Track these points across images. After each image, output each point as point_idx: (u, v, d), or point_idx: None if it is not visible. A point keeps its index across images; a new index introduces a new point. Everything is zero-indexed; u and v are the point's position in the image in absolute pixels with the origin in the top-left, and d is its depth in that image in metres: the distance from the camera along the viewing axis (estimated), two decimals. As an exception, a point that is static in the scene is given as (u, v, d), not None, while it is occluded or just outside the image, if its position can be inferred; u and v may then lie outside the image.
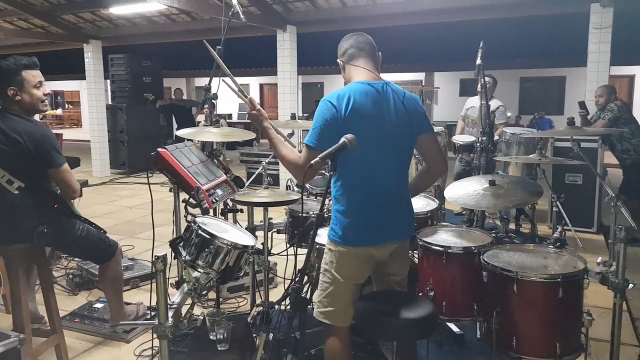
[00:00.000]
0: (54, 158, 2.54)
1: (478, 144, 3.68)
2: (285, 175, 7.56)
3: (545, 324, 2.26)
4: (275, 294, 3.57)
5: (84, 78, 9.67)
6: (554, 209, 3.33)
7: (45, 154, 2.52)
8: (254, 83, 18.88)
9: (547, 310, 2.25)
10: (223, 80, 2.75)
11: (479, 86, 5.47)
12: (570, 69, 12.41)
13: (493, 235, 2.75)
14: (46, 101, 2.68)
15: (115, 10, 7.77)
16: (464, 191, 2.87)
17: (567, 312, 2.26)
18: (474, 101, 5.77)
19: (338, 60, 2.23)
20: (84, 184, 3.99)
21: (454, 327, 3.02)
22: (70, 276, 3.94)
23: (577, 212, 4.93)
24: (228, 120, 14.18)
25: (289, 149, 2.15)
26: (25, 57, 2.62)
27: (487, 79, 5.44)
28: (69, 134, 16.21)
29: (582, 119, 5.18)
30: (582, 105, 5.25)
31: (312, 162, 1.90)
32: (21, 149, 2.48)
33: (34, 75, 2.60)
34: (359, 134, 1.91)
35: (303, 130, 9.34)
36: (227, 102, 17.98)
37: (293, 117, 3.98)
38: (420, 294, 2.61)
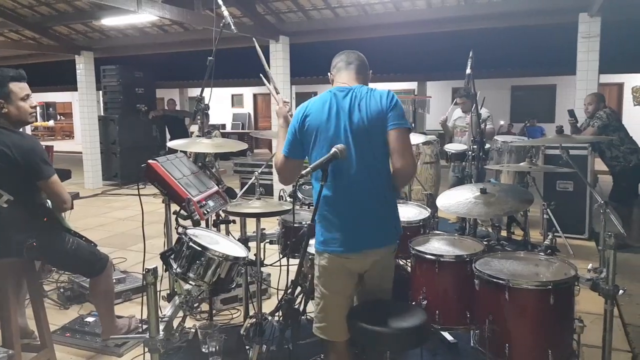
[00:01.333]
0: (42, 170, 2.53)
1: (470, 152, 3.71)
2: (278, 185, 7.56)
3: (538, 331, 2.26)
4: (269, 305, 3.55)
5: (76, 89, 9.66)
6: (545, 216, 3.35)
7: (34, 166, 2.51)
8: (247, 93, 18.90)
9: (539, 317, 2.25)
10: (261, 76, 2.86)
11: (458, 100, 5.67)
12: (561, 77, 12.54)
13: (485, 243, 2.76)
14: (34, 113, 2.68)
15: (107, 22, 7.79)
16: (456, 199, 2.88)
17: (559, 319, 2.26)
18: (459, 112, 5.91)
19: (329, 74, 2.31)
20: (76, 196, 3.97)
21: (447, 336, 3.01)
22: (61, 290, 3.90)
23: (568, 219, 4.97)
24: (222, 131, 14.17)
25: (278, 154, 2.24)
26: (12, 69, 2.62)
27: (463, 94, 5.61)
28: (60, 145, 16.16)
29: (572, 126, 5.24)
30: (571, 113, 5.30)
31: (304, 172, 1.93)
32: (9, 162, 2.46)
33: (21, 88, 2.59)
34: (315, 141, 2.06)
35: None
36: (221, 112, 18.01)
37: (285, 127, 3.98)
38: (413, 303, 2.61)
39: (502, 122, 11.97)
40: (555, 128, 3.19)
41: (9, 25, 8.67)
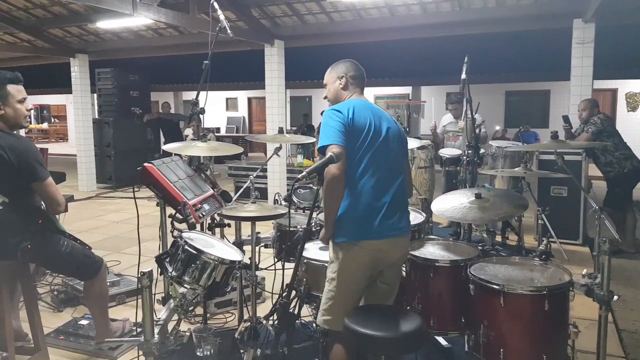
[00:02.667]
0: (37, 171, 2.53)
1: (464, 157, 3.72)
2: (273, 189, 7.54)
3: (532, 336, 2.27)
4: (263, 309, 3.54)
5: (70, 92, 9.61)
6: (540, 221, 3.36)
7: (28, 168, 2.50)
8: (242, 97, 18.90)
9: (533, 322, 2.26)
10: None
11: (449, 106, 5.76)
12: (555, 82, 12.62)
13: (480, 248, 2.77)
14: (29, 116, 2.67)
15: (102, 25, 7.76)
16: (451, 204, 2.89)
17: (554, 324, 2.28)
18: (449, 117, 5.99)
19: (343, 75, 2.43)
20: (70, 199, 3.95)
21: (442, 341, 3.02)
22: (55, 292, 3.87)
23: (562, 225, 4.99)
24: (216, 134, 14.15)
25: (331, 171, 2.08)
26: (9, 72, 2.62)
27: (454, 100, 5.71)
28: (55, 148, 16.09)
29: (566, 132, 5.27)
30: (565, 119, 5.33)
31: (300, 176, 1.92)
32: (4, 163, 2.46)
33: (18, 90, 2.59)
34: (364, 140, 2.17)
35: (291, 144, 9.37)
36: (215, 115, 17.99)
37: (281, 131, 3.99)
38: (408, 308, 2.61)
39: (497, 127, 12.03)
40: (550, 133, 3.21)
41: (3, 27, 8.62)
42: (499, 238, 4.85)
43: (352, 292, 2.24)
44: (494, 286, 2.27)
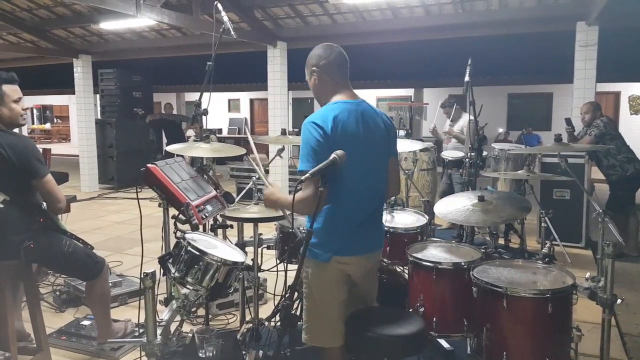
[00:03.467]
0: (36, 168, 2.55)
1: (467, 160, 3.72)
2: (275, 190, 7.54)
3: (535, 339, 2.26)
4: (265, 311, 3.54)
5: (73, 92, 9.64)
6: (543, 224, 3.35)
7: (27, 165, 2.53)
8: (244, 98, 18.91)
9: (536, 325, 2.25)
10: (248, 158, 2.81)
11: (442, 110, 5.85)
12: (558, 85, 12.61)
13: (482, 250, 2.76)
14: (25, 115, 2.71)
15: (106, 26, 7.78)
16: (454, 207, 2.88)
17: (557, 328, 2.27)
18: (448, 120, 6.11)
19: (313, 68, 2.16)
20: (72, 199, 3.96)
21: (444, 343, 3.01)
22: (57, 293, 3.88)
23: (565, 228, 4.98)
24: (218, 135, 14.14)
25: (301, 193, 1.99)
26: (4, 72, 2.65)
27: (446, 104, 5.83)
28: (57, 148, 16.09)
29: (569, 135, 5.26)
30: (568, 121, 5.33)
31: (303, 178, 1.90)
32: (4, 161, 2.48)
33: (14, 90, 2.63)
34: (350, 151, 1.92)
35: (293, 145, 9.37)
36: (217, 116, 18.00)
37: (284, 132, 3.99)
38: (410, 310, 2.61)
39: (500, 130, 12.01)
40: (554, 136, 3.21)
41: (7, 28, 8.66)
42: (501, 241, 4.84)
43: (332, 307, 2.15)
44: (497, 289, 2.26)
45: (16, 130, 2.72)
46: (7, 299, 2.60)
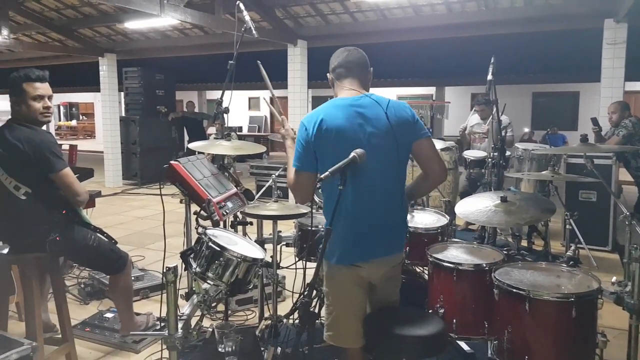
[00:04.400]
0: (52, 163, 2.59)
1: (490, 159, 3.67)
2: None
3: (558, 344, 2.22)
4: (283, 308, 3.55)
5: (98, 90, 9.83)
6: (568, 226, 3.29)
7: (43, 159, 2.58)
8: (264, 96, 19.00)
9: (560, 330, 2.21)
10: (264, 99, 2.86)
11: (476, 107, 5.69)
12: (584, 84, 12.34)
13: (504, 252, 2.72)
14: (46, 113, 2.72)
15: (130, 25, 7.91)
16: (475, 207, 2.85)
17: (581, 333, 2.22)
18: (476, 118, 5.92)
19: (328, 75, 2.25)
20: (97, 194, 4.03)
21: (464, 345, 2.98)
22: (82, 285, 3.96)
23: (591, 230, 4.87)
24: (238, 133, 14.26)
25: (291, 171, 2.16)
26: (37, 70, 2.69)
27: (482, 101, 5.65)
28: (82, 145, 16.42)
29: (596, 135, 5.15)
30: (594, 121, 5.21)
31: (322, 176, 1.90)
32: (21, 155, 2.55)
33: (35, 88, 2.65)
34: (333, 151, 1.95)
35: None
36: (238, 115, 18.13)
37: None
38: (430, 311, 2.59)
39: (526, 130, 11.81)
40: (580, 136, 3.13)
41: (36, 27, 8.88)
42: (524, 243, 4.76)
43: (348, 309, 2.14)
44: (519, 292, 2.22)
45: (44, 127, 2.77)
46: (35, 291, 2.66)
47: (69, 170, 2.66)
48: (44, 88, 2.69)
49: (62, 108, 24.46)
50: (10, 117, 2.72)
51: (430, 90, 14.54)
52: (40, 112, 2.68)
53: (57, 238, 2.64)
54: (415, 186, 2.30)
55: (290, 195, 7.36)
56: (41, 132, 2.68)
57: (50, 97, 2.74)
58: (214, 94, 17.40)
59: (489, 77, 3.14)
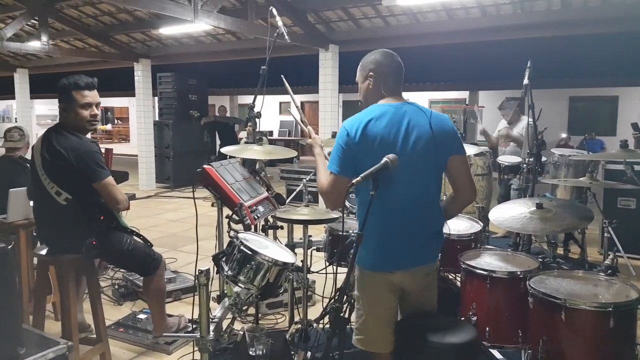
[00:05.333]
0: (95, 173, 2.63)
1: (524, 165, 3.59)
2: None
3: (595, 355, 2.16)
4: (313, 312, 3.55)
5: (133, 95, 10.07)
6: (606, 234, 3.19)
7: (87, 169, 2.62)
8: (290, 108, 19.11)
9: (597, 341, 2.15)
10: (289, 110, 2.87)
11: (501, 112, 5.60)
12: (624, 88, 11.95)
13: (540, 260, 2.66)
14: (93, 121, 2.74)
15: (165, 31, 8.10)
16: (510, 213, 2.79)
17: (619, 344, 2.15)
18: (504, 122, 5.89)
19: (370, 72, 2.15)
20: (132, 197, 4.12)
21: (497, 354, 2.91)
22: (116, 287, 4.06)
23: (629, 238, 4.70)
24: (269, 137, 14.37)
25: (325, 176, 2.12)
26: (86, 77, 2.71)
27: (505, 105, 5.56)
28: (117, 148, 16.85)
29: (636, 141, 4.98)
30: (635, 126, 5.05)
31: (354, 181, 1.89)
32: (64, 163, 2.59)
33: (83, 96, 2.67)
34: (375, 157, 1.90)
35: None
36: (268, 119, 18.29)
37: (334, 135, 3.99)
38: (462, 319, 2.55)
39: (563, 135, 11.49)
40: (619, 142, 3.04)
41: (74, 34, 9.20)
42: (560, 250, 4.64)
43: (378, 314, 2.13)
44: (555, 300, 2.17)
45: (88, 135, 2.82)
46: (71, 292, 2.74)
47: (111, 179, 2.69)
48: (92, 96, 2.71)
49: (98, 115, 25.11)
50: (58, 122, 2.77)
51: (464, 94, 14.33)
52: (87, 120, 2.71)
53: (93, 242, 2.69)
54: (445, 206, 2.26)
55: (321, 200, 7.37)
56: (86, 141, 2.69)
57: (97, 105, 2.76)
58: (245, 99, 17.60)
59: (525, 81, 3.08)
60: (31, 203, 2.95)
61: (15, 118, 13.78)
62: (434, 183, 2.13)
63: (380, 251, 2.07)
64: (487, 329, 2.49)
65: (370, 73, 2.14)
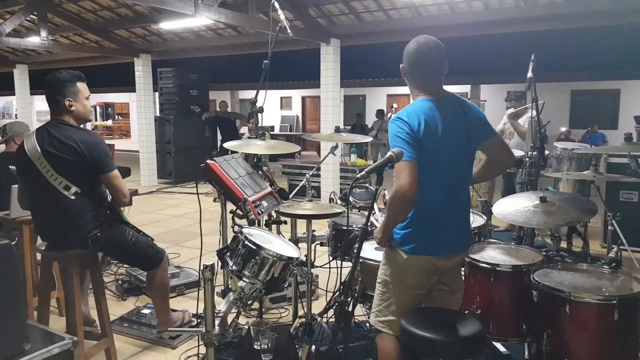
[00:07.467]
0: (107, 164, 2.68)
1: (527, 159, 3.58)
2: (326, 187, 7.57)
3: (599, 347, 2.17)
4: (317, 306, 3.56)
5: (133, 90, 10.05)
6: (610, 227, 3.18)
7: (99, 160, 2.66)
8: (296, 96, 19.09)
9: (601, 333, 2.16)
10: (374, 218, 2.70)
11: (508, 104, 5.57)
12: (625, 81, 11.92)
13: (543, 253, 2.66)
14: (92, 112, 2.83)
15: (165, 26, 8.07)
16: (514, 207, 2.79)
17: (623, 336, 2.16)
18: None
19: (402, 67, 2.19)
20: (134, 193, 4.13)
21: (500, 347, 2.92)
22: (119, 282, 4.06)
23: (632, 231, 4.68)
24: (270, 133, 14.37)
25: (387, 199, 2.11)
26: (74, 71, 2.78)
27: (512, 97, 5.53)
28: (118, 144, 16.86)
29: (639, 133, 4.97)
30: (638, 119, 5.05)
31: (359, 175, 1.92)
32: (77, 156, 2.61)
33: (85, 88, 2.77)
34: (430, 149, 2.00)
35: (344, 143, 9.38)
36: (269, 114, 18.28)
37: (337, 130, 3.99)
38: (466, 312, 2.55)
39: (562, 129, 11.48)
40: (624, 135, 3.03)
41: (73, 29, 9.16)
42: (563, 244, 4.64)
43: (407, 297, 2.19)
44: (560, 293, 2.18)
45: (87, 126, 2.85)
46: (76, 287, 2.74)
47: (118, 172, 2.75)
48: (87, 88, 2.81)
49: (98, 108, 25.15)
50: (55, 116, 2.73)
51: (466, 88, 14.30)
52: (90, 111, 2.82)
53: (98, 234, 2.71)
54: (482, 171, 2.38)
55: (323, 194, 7.35)
56: (93, 133, 2.78)
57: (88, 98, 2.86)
58: (247, 94, 17.59)
59: (529, 74, 3.07)
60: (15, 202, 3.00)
61: (16, 114, 13.77)
62: (469, 169, 2.25)
63: (427, 235, 2.10)
64: (491, 322, 2.50)
65: (402, 65, 2.19)
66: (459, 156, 2.14)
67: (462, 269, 2.62)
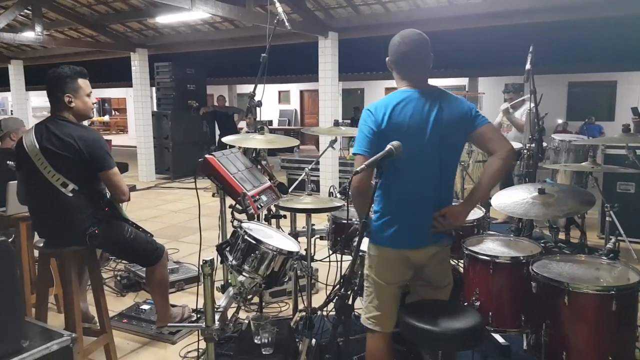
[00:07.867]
0: (106, 161, 2.66)
1: (525, 151, 3.59)
2: (325, 181, 7.57)
3: (598, 337, 2.18)
4: (316, 300, 3.57)
5: (130, 85, 10.01)
6: (608, 218, 3.20)
7: (98, 157, 2.63)
8: (294, 90, 19.04)
9: (599, 323, 2.17)
10: None
11: (506, 96, 5.58)
12: (622, 73, 11.92)
13: (542, 245, 2.67)
14: (93, 109, 2.82)
15: (161, 19, 8.03)
16: (512, 199, 2.80)
17: (621, 326, 2.18)
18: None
19: (387, 59, 2.20)
20: (132, 188, 4.11)
21: (499, 338, 2.94)
22: (118, 278, 4.06)
23: (629, 222, 4.70)
24: (269, 127, 14.34)
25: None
26: (76, 66, 2.74)
27: (510, 89, 5.54)
28: (115, 140, 16.83)
29: (635, 125, 4.99)
30: (635, 111, 5.06)
31: (358, 169, 1.92)
32: (76, 153, 2.58)
33: (86, 84, 2.73)
34: (394, 140, 1.92)
35: (343, 137, 9.36)
36: (268, 108, 18.23)
37: (336, 123, 3.99)
38: (465, 304, 2.56)
39: (559, 121, 11.48)
40: (622, 127, 3.04)
41: (68, 23, 9.09)
42: (561, 235, 4.66)
43: (386, 291, 2.19)
44: (558, 284, 2.19)
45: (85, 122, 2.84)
46: (74, 283, 2.74)
47: (117, 169, 2.72)
48: (89, 84, 2.77)
49: (94, 104, 25.01)
50: (55, 112, 2.71)
51: (463, 81, 14.28)
52: (91, 108, 2.78)
53: (96, 231, 2.70)
54: (490, 173, 2.16)
55: (323, 188, 7.35)
56: (92, 130, 2.75)
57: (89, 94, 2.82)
58: (244, 88, 17.54)
59: (527, 66, 3.07)
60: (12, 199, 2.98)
61: (11, 110, 13.72)
62: (446, 163, 2.15)
63: (398, 230, 2.11)
64: (490, 313, 2.51)
65: (388, 61, 2.19)
66: (430, 148, 2.07)
67: (461, 262, 2.63)
